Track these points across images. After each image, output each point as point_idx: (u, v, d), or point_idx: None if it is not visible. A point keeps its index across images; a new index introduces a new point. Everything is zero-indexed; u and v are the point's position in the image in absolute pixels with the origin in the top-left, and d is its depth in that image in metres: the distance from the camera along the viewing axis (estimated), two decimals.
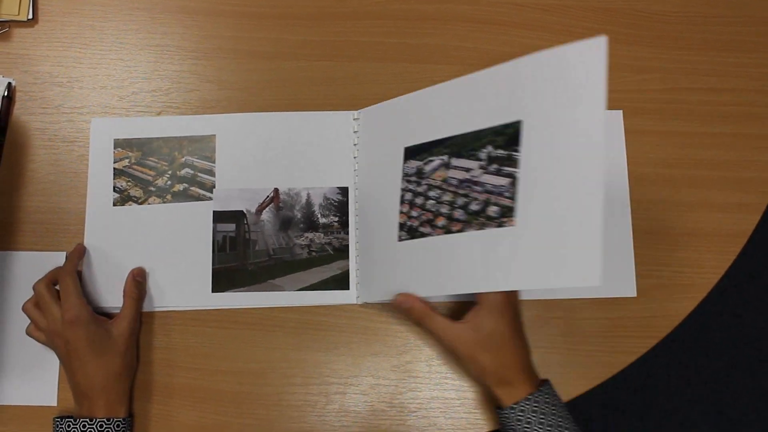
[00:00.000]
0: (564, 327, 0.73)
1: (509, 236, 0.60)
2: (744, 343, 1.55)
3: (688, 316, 0.74)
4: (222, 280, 0.72)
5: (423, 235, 0.66)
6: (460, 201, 0.64)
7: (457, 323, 0.65)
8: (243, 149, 0.74)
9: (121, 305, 0.69)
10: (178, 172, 0.74)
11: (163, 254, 0.72)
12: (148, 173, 0.74)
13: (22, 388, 0.70)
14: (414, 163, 0.68)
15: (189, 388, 0.70)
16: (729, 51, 0.80)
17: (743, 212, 0.76)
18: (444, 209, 0.65)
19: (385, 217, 0.70)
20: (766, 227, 0.79)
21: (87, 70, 0.76)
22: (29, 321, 0.67)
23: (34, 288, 0.66)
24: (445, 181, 0.65)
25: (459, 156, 0.65)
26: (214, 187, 0.74)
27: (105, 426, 0.63)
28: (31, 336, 0.68)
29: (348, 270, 0.72)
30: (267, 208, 0.74)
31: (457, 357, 0.68)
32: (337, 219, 0.73)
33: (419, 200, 0.67)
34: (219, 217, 0.73)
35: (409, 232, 0.67)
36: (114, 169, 0.74)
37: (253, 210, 0.73)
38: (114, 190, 0.73)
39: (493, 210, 0.62)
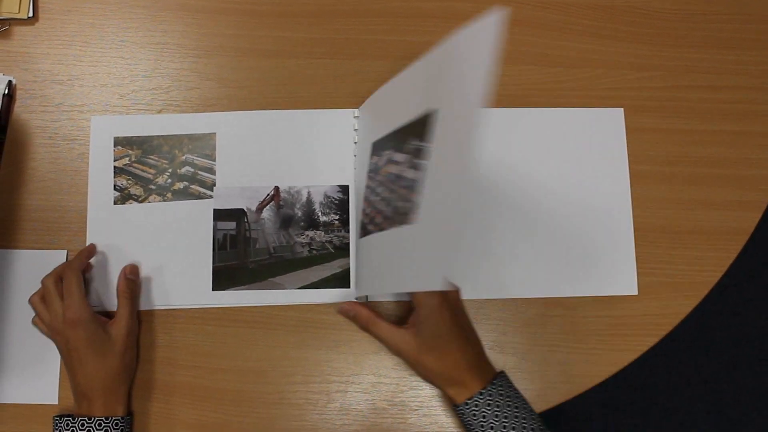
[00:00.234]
0: (565, 325, 0.73)
1: (409, 235, 0.58)
2: (744, 342, 1.55)
3: (688, 315, 0.74)
4: (222, 279, 0.72)
5: (368, 232, 0.66)
6: (392, 197, 0.62)
7: (400, 328, 0.65)
8: (243, 147, 0.74)
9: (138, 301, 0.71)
10: (178, 171, 0.74)
11: (163, 252, 0.72)
12: (149, 171, 0.74)
13: (22, 386, 0.70)
14: (374, 159, 0.68)
15: (190, 386, 0.70)
16: (729, 49, 0.80)
17: (744, 210, 0.76)
18: (382, 206, 0.64)
19: (358, 215, 0.70)
20: (766, 225, 0.79)
21: (87, 68, 0.76)
22: (30, 318, 0.67)
23: (42, 281, 0.66)
24: (386, 176, 0.64)
25: (399, 150, 0.62)
26: (214, 185, 0.74)
27: (104, 425, 0.63)
28: (36, 327, 0.68)
29: (349, 268, 0.72)
30: (268, 206, 0.73)
31: (404, 361, 0.68)
32: (337, 217, 0.73)
33: (372, 197, 0.67)
34: (219, 215, 0.73)
35: (363, 229, 0.67)
36: (114, 167, 0.74)
37: (254, 208, 0.73)
38: (114, 189, 0.73)
39: (402, 206, 0.59)
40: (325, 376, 0.71)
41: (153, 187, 0.73)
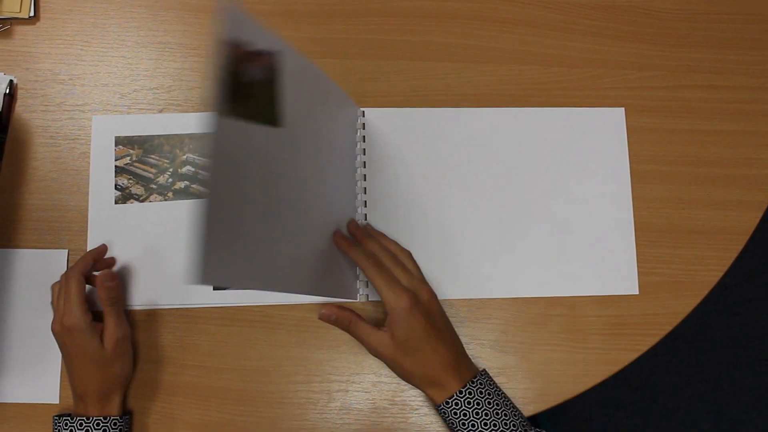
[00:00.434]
0: (566, 324, 0.73)
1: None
2: (745, 341, 1.55)
3: (689, 315, 0.74)
4: None
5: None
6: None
7: (379, 330, 0.66)
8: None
9: (125, 304, 0.70)
10: (179, 170, 0.74)
11: (164, 252, 0.72)
12: (150, 171, 0.74)
13: (24, 385, 0.70)
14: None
15: (191, 385, 0.70)
16: (731, 48, 0.80)
17: (745, 210, 0.76)
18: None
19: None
20: (767, 225, 0.79)
21: (88, 67, 0.76)
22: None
23: (62, 278, 0.66)
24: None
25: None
26: None
27: (102, 424, 0.63)
28: None
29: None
30: None
31: (383, 362, 0.68)
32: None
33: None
34: None
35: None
36: (115, 166, 0.74)
37: None
38: (115, 188, 0.73)
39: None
40: (326, 375, 0.71)
41: (154, 186, 0.74)
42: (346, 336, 0.71)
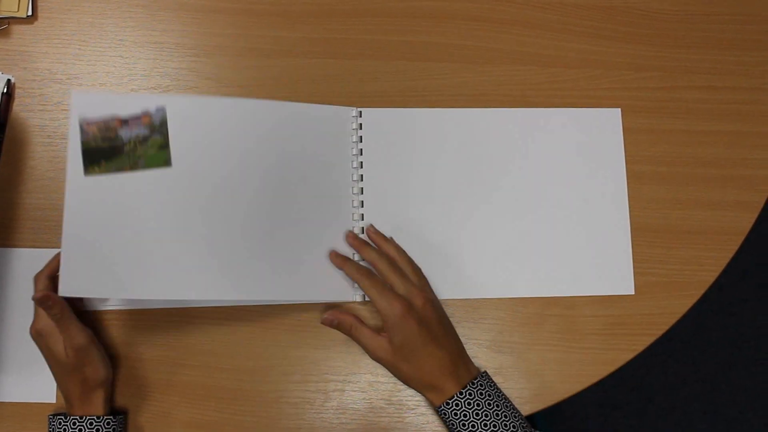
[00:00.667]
0: (562, 324, 0.73)
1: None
2: (740, 341, 1.55)
3: (685, 315, 0.74)
4: None
5: None
6: None
7: (378, 335, 0.66)
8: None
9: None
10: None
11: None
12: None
13: (20, 384, 0.70)
14: None
15: (187, 385, 0.70)
16: (728, 49, 0.80)
17: (741, 210, 0.76)
18: None
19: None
20: (762, 225, 0.79)
21: (86, 67, 0.76)
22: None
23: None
24: None
25: None
26: None
27: (95, 423, 0.63)
28: None
29: None
30: None
31: (383, 366, 0.69)
32: None
33: None
34: None
35: None
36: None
37: None
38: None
39: None
40: (323, 375, 0.71)
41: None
42: (342, 336, 0.71)
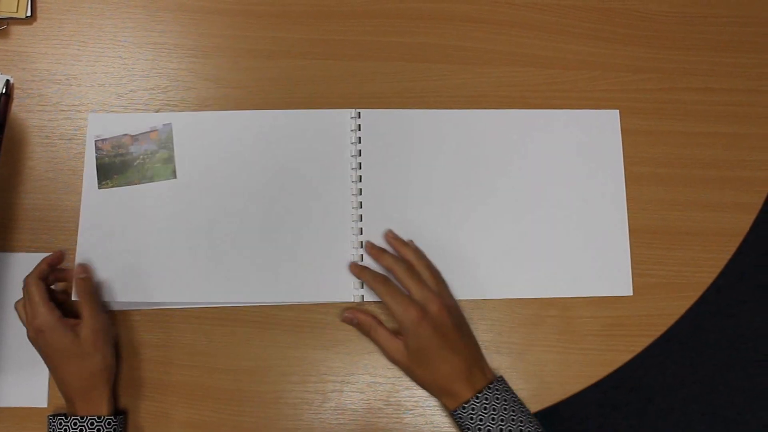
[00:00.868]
0: (560, 325, 0.73)
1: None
2: (738, 343, 1.55)
3: (683, 316, 0.74)
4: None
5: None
6: None
7: (396, 338, 0.67)
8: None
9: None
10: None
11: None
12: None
13: (12, 389, 0.70)
14: None
15: (186, 385, 0.70)
16: (726, 51, 0.80)
17: (739, 212, 0.76)
18: None
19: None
20: (760, 227, 0.79)
21: (85, 67, 0.76)
22: (17, 322, 0.68)
23: (23, 287, 0.67)
24: None
25: None
26: None
27: (96, 423, 0.63)
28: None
29: None
30: None
31: (399, 369, 0.70)
32: None
33: None
34: None
35: None
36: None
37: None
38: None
39: None
40: (321, 375, 0.71)
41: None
42: (341, 336, 0.71)
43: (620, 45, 0.80)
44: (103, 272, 0.71)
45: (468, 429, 0.64)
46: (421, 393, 0.71)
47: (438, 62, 0.78)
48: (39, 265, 0.68)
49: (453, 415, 0.65)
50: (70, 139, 0.74)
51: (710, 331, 1.55)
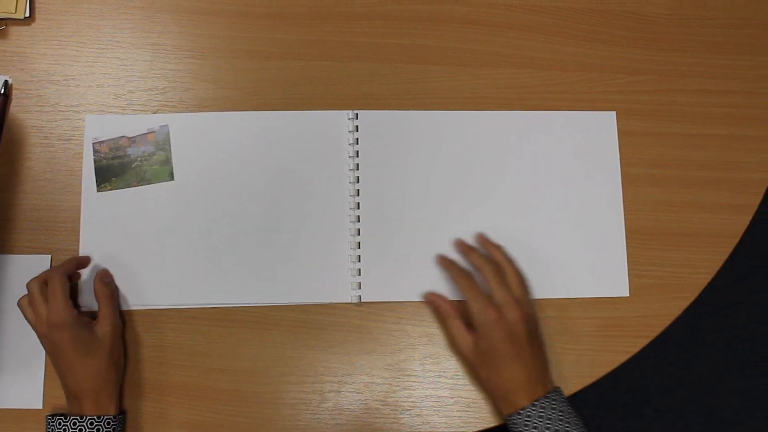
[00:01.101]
0: (557, 326, 0.73)
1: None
2: (735, 343, 1.56)
3: (679, 317, 0.74)
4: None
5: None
6: None
7: (468, 332, 0.68)
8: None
9: (123, 304, 0.71)
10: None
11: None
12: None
13: (7, 390, 0.70)
14: None
15: (184, 386, 0.70)
16: (722, 53, 0.81)
17: (735, 213, 0.77)
18: None
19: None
20: (756, 228, 0.79)
21: (83, 68, 0.76)
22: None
23: (27, 285, 0.66)
24: None
25: None
26: None
27: (95, 423, 0.63)
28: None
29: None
30: None
31: (462, 362, 0.71)
32: None
33: None
34: None
35: None
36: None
37: None
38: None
39: None
40: (319, 376, 0.71)
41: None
42: (338, 337, 0.72)
43: (617, 47, 0.80)
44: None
45: None
46: (418, 393, 0.71)
47: (435, 64, 0.78)
48: (66, 263, 0.68)
49: (507, 420, 0.66)
50: (68, 140, 0.74)
51: (707, 331, 1.56)
